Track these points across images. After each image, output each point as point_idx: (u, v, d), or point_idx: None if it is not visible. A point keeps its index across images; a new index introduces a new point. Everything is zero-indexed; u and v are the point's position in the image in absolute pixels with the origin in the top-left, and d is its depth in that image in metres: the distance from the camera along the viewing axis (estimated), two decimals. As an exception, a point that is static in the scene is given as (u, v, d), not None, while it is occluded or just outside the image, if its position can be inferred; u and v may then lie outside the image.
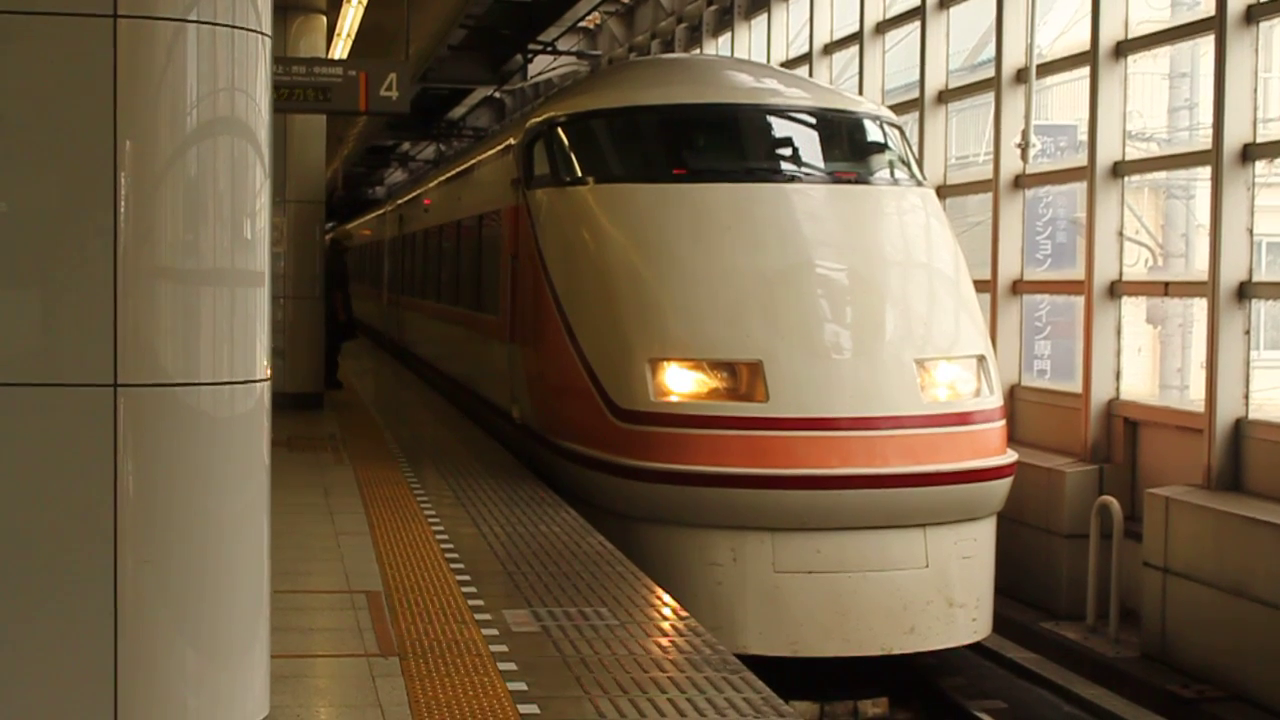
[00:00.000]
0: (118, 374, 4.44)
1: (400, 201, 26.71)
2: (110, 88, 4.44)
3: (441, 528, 9.67)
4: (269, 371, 4.81)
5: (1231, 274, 10.97)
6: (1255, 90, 11.04)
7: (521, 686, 6.22)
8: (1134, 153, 13.08)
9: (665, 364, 10.44)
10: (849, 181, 11.87)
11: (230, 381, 4.65)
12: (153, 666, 4.52)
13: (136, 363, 4.48)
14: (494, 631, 7.10)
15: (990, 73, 14.57)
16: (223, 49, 4.63)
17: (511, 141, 13.62)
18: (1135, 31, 12.66)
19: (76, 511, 4.45)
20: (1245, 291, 10.95)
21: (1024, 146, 13.80)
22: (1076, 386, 13.02)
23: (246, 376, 4.70)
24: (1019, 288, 14.11)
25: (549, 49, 27.95)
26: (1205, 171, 11.53)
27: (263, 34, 4.73)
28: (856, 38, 17.93)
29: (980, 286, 12.80)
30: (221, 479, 4.66)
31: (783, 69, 17.97)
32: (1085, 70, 12.94)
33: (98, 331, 4.44)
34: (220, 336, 4.68)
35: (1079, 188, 13.42)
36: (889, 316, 10.90)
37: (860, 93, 16.61)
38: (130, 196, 4.47)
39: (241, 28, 4.65)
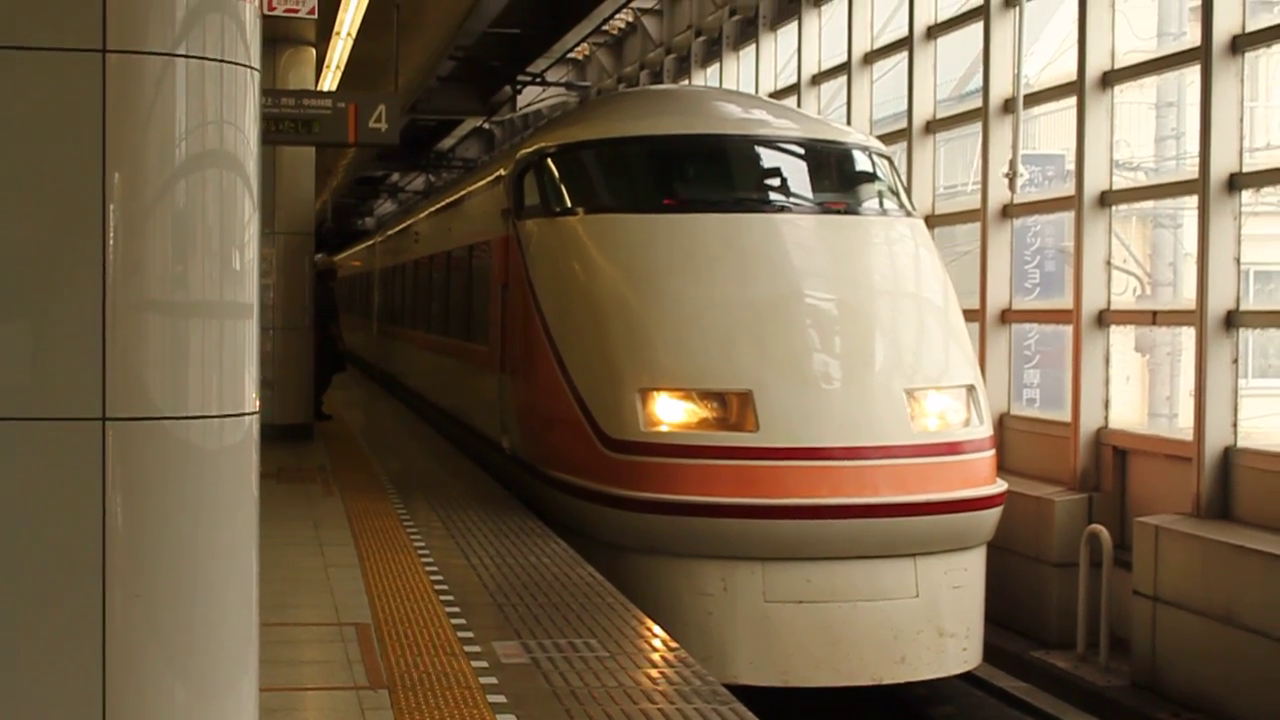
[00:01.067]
0: (106, 408, 4.43)
1: (390, 232, 26.72)
2: (99, 121, 4.45)
3: (431, 559, 9.66)
4: (258, 404, 4.80)
5: (1219, 303, 10.99)
6: (1241, 120, 11.09)
7: (511, 719, 6.21)
8: (1121, 182, 13.12)
9: (655, 394, 10.45)
10: (838, 211, 11.90)
11: (220, 415, 4.64)
12: (141, 701, 4.50)
13: (125, 396, 4.47)
14: (483, 663, 7.09)
15: (978, 103, 14.62)
16: (211, 83, 4.64)
17: (501, 172, 13.64)
18: (1122, 62, 12.72)
19: (64, 546, 4.44)
20: (1233, 320, 10.97)
21: (1011, 176, 13.84)
22: (1065, 415, 13.03)
23: (235, 409, 4.69)
24: (1007, 317, 14.14)
25: (538, 80, 28.01)
26: (1192, 200, 11.57)
27: (251, 68, 4.74)
28: (844, 68, 17.98)
29: (969, 316, 12.82)
30: (210, 512, 4.65)
31: (771, 99, 18.02)
32: (1072, 100, 12.99)
33: (86, 365, 4.43)
34: (209, 369, 4.67)
35: (1067, 217, 13.46)
36: (878, 346, 10.92)
37: (848, 123, 16.65)
38: (119, 229, 4.47)
39: (230, 62, 4.66)
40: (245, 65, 4.69)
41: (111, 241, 4.46)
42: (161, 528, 4.52)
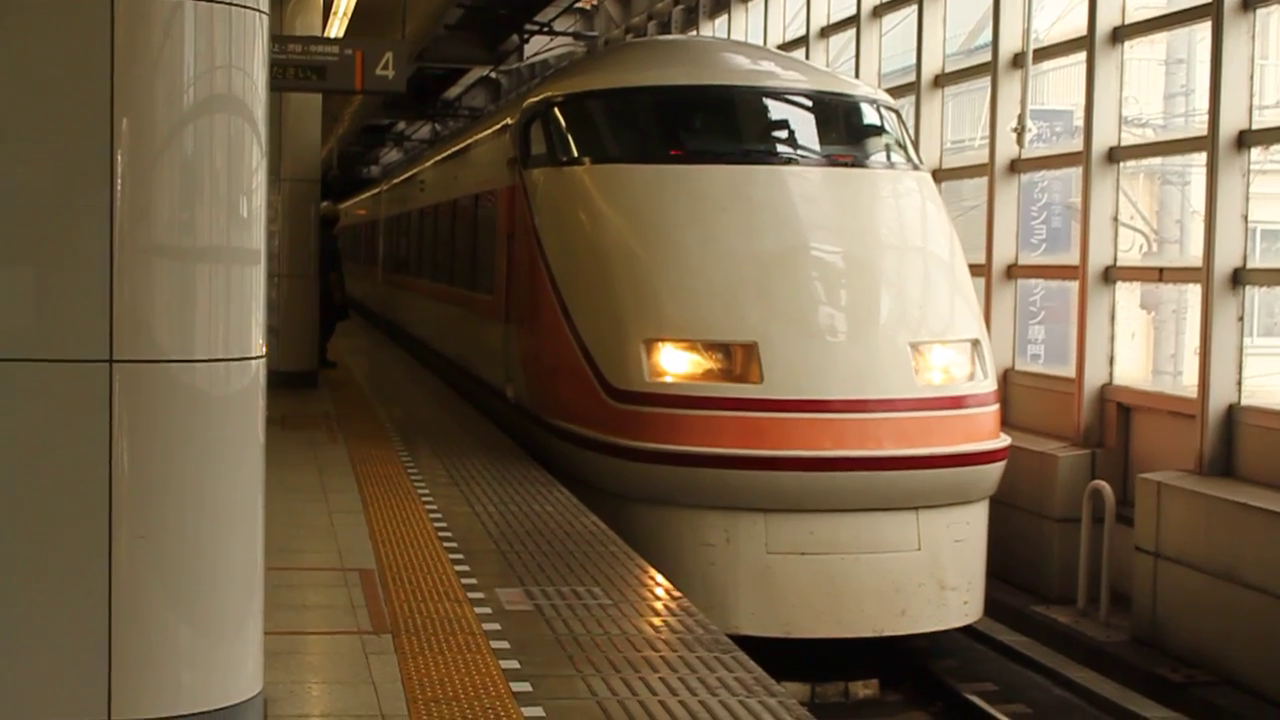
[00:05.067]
0: (113, 349, 4.45)
1: (396, 180, 26.68)
2: (107, 65, 4.45)
3: (435, 506, 9.69)
4: (264, 348, 4.82)
5: (1226, 260, 10.97)
6: (1251, 77, 11.04)
7: (514, 665, 6.24)
8: (1130, 138, 13.08)
9: (660, 344, 10.46)
10: (845, 164, 11.87)
11: (226, 358, 4.66)
12: (146, 642, 4.53)
13: (132, 339, 4.48)
14: (487, 610, 7.12)
15: (987, 57, 14.56)
16: (220, 26, 4.63)
17: (508, 121, 13.62)
18: (1132, 17, 12.65)
19: (71, 486, 4.46)
20: (1239, 278, 10.96)
21: (1020, 131, 13.78)
22: (1070, 371, 13.03)
23: (242, 353, 4.71)
24: (1014, 272, 14.12)
25: (546, 29, 27.94)
26: (1201, 158, 11.53)
27: (260, 11, 4.74)
28: (853, 21, 17.91)
29: (975, 271, 12.81)
30: (216, 455, 4.68)
31: (780, 51, 17.96)
32: (1082, 55, 12.93)
33: (93, 307, 4.45)
34: (216, 313, 4.69)
35: (1074, 173, 13.42)
36: (884, 299, 10.92)
37: (857, 76, 16.60)
38: (126, 174, 4.48)
39: (239, 5, 4.65)
40: (253, 9, 4.69)
41: (119, 187, 4.47)
42: (168, 469, 4.55)
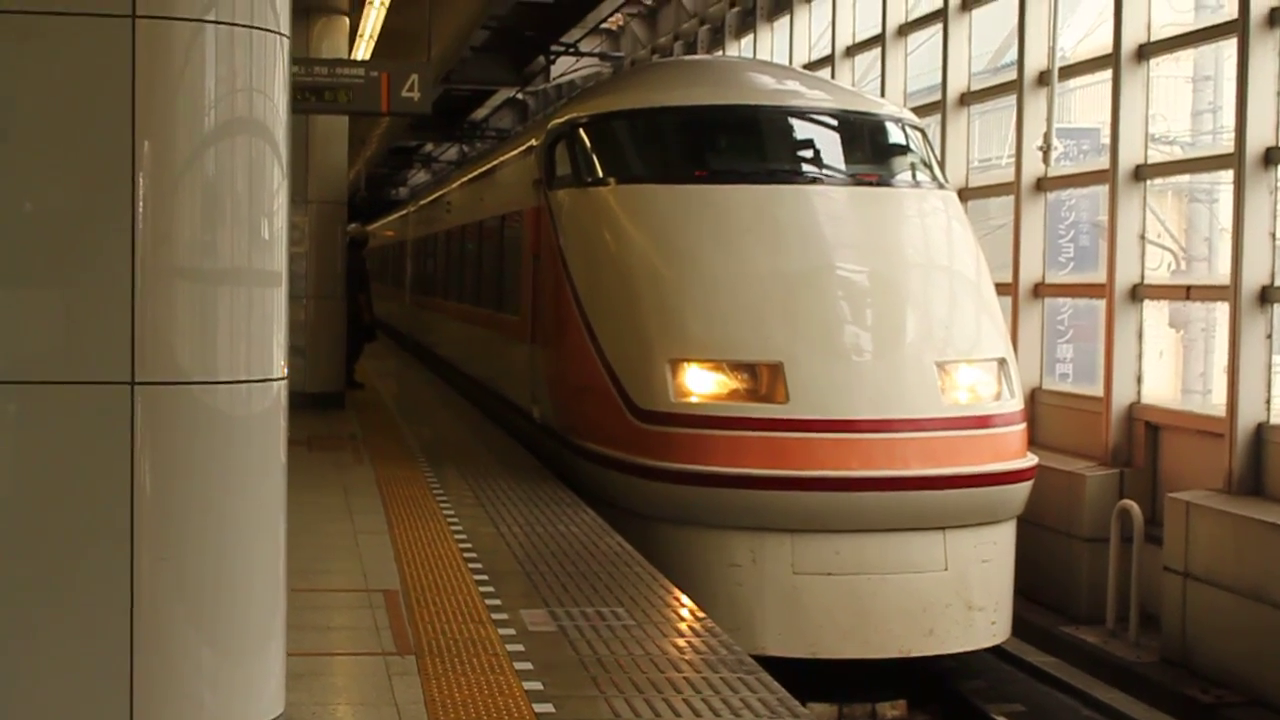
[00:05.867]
0: (135, 372, 4.46)
1: (422, 202, 26.75)
2: (129, 88, 4.46)
3: (460, 527, 9.69)
4: (286, 370, 4.83)
5: (1254, 278, 10.93)
6: (1278, 93, 11.00)
7: (537, 686, 6.23)
8: (1156, 156, 13.05)
9: (686, 365, 10.45)
10: (870, 183, 11.86)
11: (248, 380, 4.67)
12: (168, 663, 4.53)
13: (154, 361, 4.50)
14: (511, 631, 7.11)
15: (1013, 75, 14.54)
16: (240, 49, 4.65)
17: (534, 142, 13.64)
18: (1158, 34, 12.63)
19: (93, 508, 4.47)
20: (1267, 295, 10.91)
21: (1046, 149, 13.78)
22: (1098, 390, 12.99)
23: (264, 375, 4.72)
24: (1041, 291, 14.09)
25: (571, 50, 27.99)
26: (1228, 175, 11.50)
27: (281, 34, 4.75)
28: (879, 40, 17.91)
29: (1002, 289, 12.78)
30: (238, 476, 4.68)
31: (805, 71, 17.96)
32: (1108, 73, 12.92)
33: (116, 330, 4.46)
34: (237, 335, 4.70)
35: (1101, 191, 13.39)
36: (910, 319, 10.89)
37: (882, 95, 16.59)
38: (148, 197, 4.49)
39: (260, 28, 4.67)
40: (275, 32, 4.70)
41: (141, 209, 4.48)
42: (189, 491, 4.55)
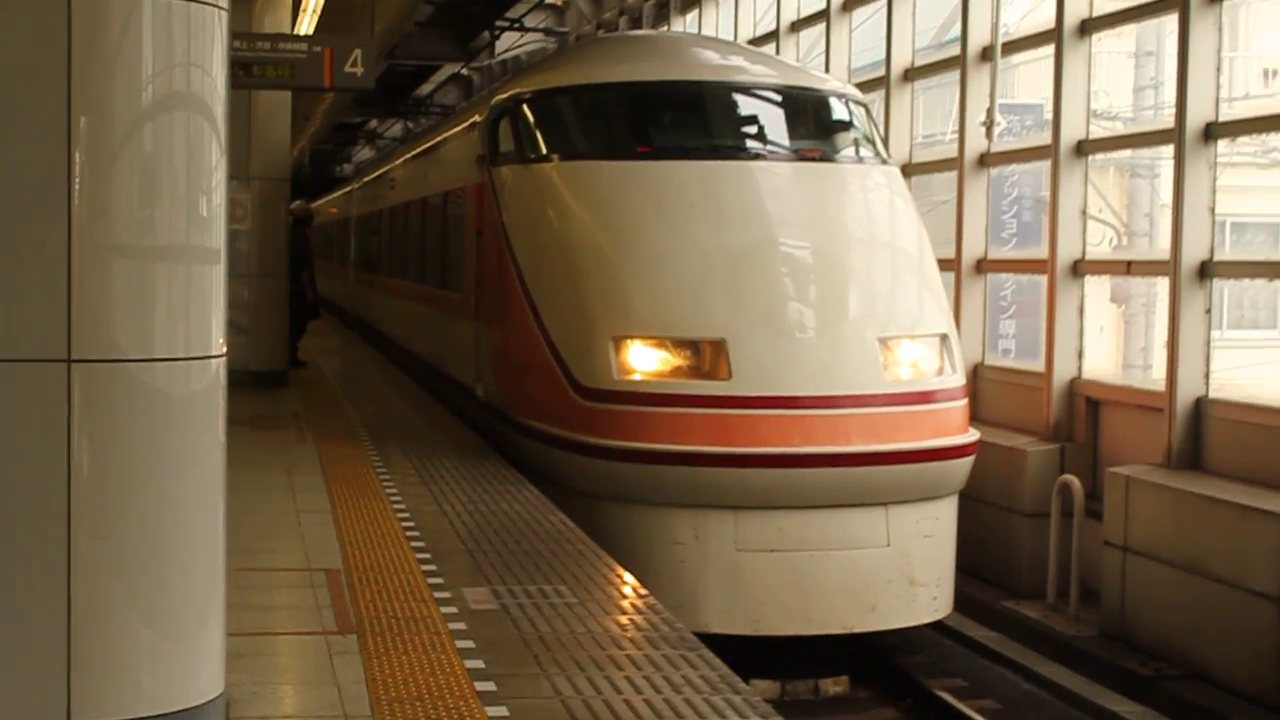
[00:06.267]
0: (71, 349, 4.42)
1: (366, 179, 26.63)
2: (65, 63, 4.42)
3: (403, 506, 9.66)
4: (225, 348, 4.79)
5: (1193, 253, 10.99)
6: (1218, 69, 11.07)
7: (479, 664, 6.22)
8: (1098, 131, 13.10)
9: (629, 342, 10.43)
10: (814, 159, 11.87)
11: (185, 358, 4.64)
12: (106, 644, 4.50)
13: (91, 338, 4.46)
14: (453, 609, 7.09)
15: (956, 51, 14.57)
16: (179, 23, 4.61)
17: (476, 118, 13.58)
18: (1100, 10, 12.66)
19: (29, 487, 4.43)
20: (1207, 271, 10.98)
21: (989, 125, 13.80)
22: (1040, 366, 13.05)
23: (202, 353, 4.69)
24: (983, 266, 14.13)
25: (516, 25, 27.88)
26: (1169, 150, 11.56)
27: (219, 8, 4.71)
28: (823, 15, 17.91)
29: (945, 265, 12.81)
30: (176, 455, 4.65)
31: (749, 47, 17.95)
32: (1050, 49, 12.95)
33: (51, 307, 4.42)
34: (175, 313, 4.67)
35: (1044, 166, 13.44)
36: (852, 295, 10.91)
37: (827, 71, 16.60)
38: (85, 173, 4.45)
39: (197, 1, 4.62)
40: (212, 5, 4.66)
41: (78, 185, 4.44)
42: (127, 470, 4.52)
